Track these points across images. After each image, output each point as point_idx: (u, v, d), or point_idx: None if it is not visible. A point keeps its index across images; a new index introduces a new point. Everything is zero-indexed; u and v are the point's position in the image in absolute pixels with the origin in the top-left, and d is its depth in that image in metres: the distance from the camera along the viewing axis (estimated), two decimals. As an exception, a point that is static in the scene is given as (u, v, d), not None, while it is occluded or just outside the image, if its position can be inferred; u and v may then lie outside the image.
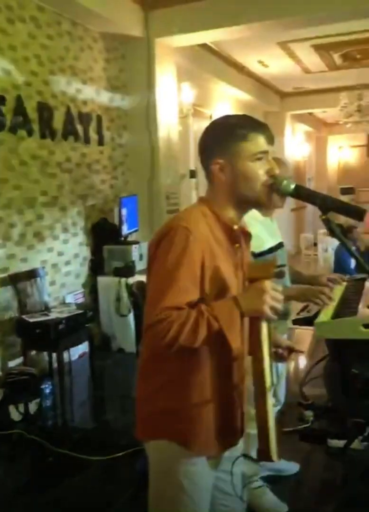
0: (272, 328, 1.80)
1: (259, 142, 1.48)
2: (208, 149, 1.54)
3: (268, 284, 1.38)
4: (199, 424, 1.51)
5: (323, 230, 11.22)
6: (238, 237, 1.57)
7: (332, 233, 1.43)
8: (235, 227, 1.54)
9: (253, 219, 2.48)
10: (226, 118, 1.58)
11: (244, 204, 1.54)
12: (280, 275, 1.42)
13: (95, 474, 3.08)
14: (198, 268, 1.42)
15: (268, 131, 1.51)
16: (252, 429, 2.54)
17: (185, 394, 1.50)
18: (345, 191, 14.81)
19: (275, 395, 2.68)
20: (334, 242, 7.74)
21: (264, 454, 1.50)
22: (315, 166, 15.23)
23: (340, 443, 3.14)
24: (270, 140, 1.52)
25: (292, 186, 1.46)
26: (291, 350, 1.80)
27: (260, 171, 1.49)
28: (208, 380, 1.50)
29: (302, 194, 1.48)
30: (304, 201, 1.50)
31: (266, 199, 1.51)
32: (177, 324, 1.35)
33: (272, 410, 1.49)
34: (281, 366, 2.67)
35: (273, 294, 1.38)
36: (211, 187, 1.56)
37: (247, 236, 1.65)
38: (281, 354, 1.79)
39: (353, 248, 6.86)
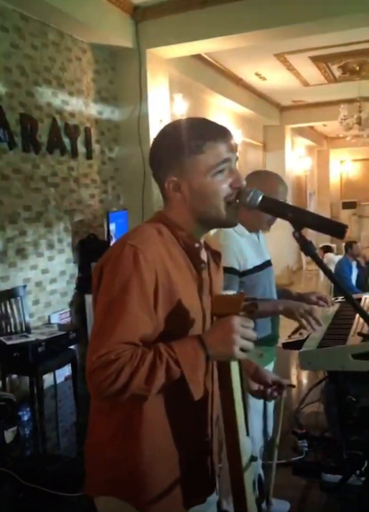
0: (252, 363, 1.57)
1: (219, 152, 1.26)
2: (159, 165, 1.31)
3: (236, 321, 1.15)
4: (152, 480, 1.27)
5: (323, 244, 11.01)
6: (202, 255, 1.35)
7: (307, 252, 1.20)
8: (197, 245, 1.32)
9: (237, 234, 2.27)
10: (178, 125, 1.32)
11: (206, 223, 1.32)
12: (251, 311, 1.20)
13: (70, 512, 2.83)
14: (151, 294, 1.20)
15: (229, 137, 1.29)
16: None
17: (136, 444, 1.26)
18: (347, 206, 14.65)
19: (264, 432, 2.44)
20: (338, 257, 7.54)
21: None
22: (317, 180, 15.05)
23: (336, 477, 2.90)
24: (232, 146, 1.29)
25: (260, 198, 1.25)
26: (280, 386, 1.52)
27: (222, 185, 1.26)
28: (164, 427, 1.27)
29: (271, 207, 1.26)
30: (274, 215, 1.28)
31: (232, 217, 1.30)
32: (129, 367, 1.12)
33: (249, 465, 1.25)
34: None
35: (243, 331, 1.15)
36: (167, 204, 1.34)
37: (216, 255, 1.43)
38: (270, 393, 1.52)
39: (354, 263, 6.64)
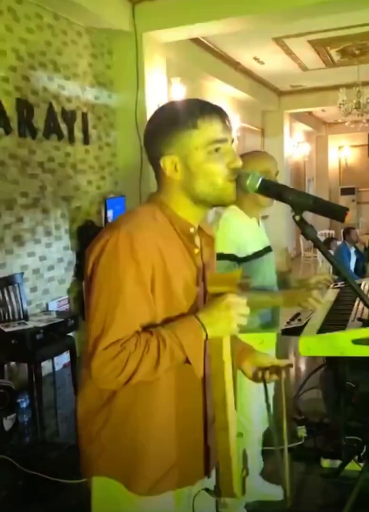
0: (248, 347, 1.55)
1: (215, 129, 1.23)
2: (154, 144, 1.28)
3: (233, 298, 1.18)
4: (146, 458, 1.27)
5: (322, 231, 10.99)
6: (196, 241, 1.33)
7: (307, 236, 1.18)
8: (192, 230, 1.30)
9: (236, 220, 2.24)
10: (173, 103, 1.33)
11: (204, 203, 1.30)
12: (244, 288, 1.20)
13: (72, 499, 2.82)
14: (148, 281, 1.19)
15: (225, 116, 1.26)
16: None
17: (132, 423, 1.27)
18: (345, 192, 14.60)
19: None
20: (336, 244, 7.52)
21: (226, 490, 1.27)
22: (315, 166, 14.97)
23: (335, 463, 2.90)
24: (228, 127, 1.27)
25: (259, 181, 1.22)
26: (277, 370, 1.44)
27: (219, 164, 1.24)
28: (160, 407, 1.27)
29: (271, 190, 1.23)
30: (274, 198, 1.26)
31: (232, 195, 1.28)
32: (134, 357, 1.14)
33: (235, 441, 1.26)
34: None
35: (239, 309, 1.18)
36: (162, 186, 1.31)
37: (210, 239, 1.40)
38: (267, 375, 1.43)
39: (353, 249, 6.63)
